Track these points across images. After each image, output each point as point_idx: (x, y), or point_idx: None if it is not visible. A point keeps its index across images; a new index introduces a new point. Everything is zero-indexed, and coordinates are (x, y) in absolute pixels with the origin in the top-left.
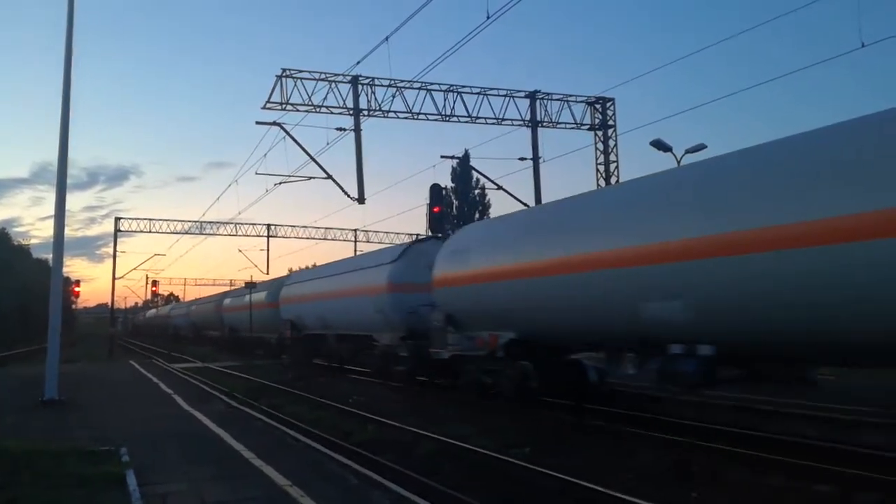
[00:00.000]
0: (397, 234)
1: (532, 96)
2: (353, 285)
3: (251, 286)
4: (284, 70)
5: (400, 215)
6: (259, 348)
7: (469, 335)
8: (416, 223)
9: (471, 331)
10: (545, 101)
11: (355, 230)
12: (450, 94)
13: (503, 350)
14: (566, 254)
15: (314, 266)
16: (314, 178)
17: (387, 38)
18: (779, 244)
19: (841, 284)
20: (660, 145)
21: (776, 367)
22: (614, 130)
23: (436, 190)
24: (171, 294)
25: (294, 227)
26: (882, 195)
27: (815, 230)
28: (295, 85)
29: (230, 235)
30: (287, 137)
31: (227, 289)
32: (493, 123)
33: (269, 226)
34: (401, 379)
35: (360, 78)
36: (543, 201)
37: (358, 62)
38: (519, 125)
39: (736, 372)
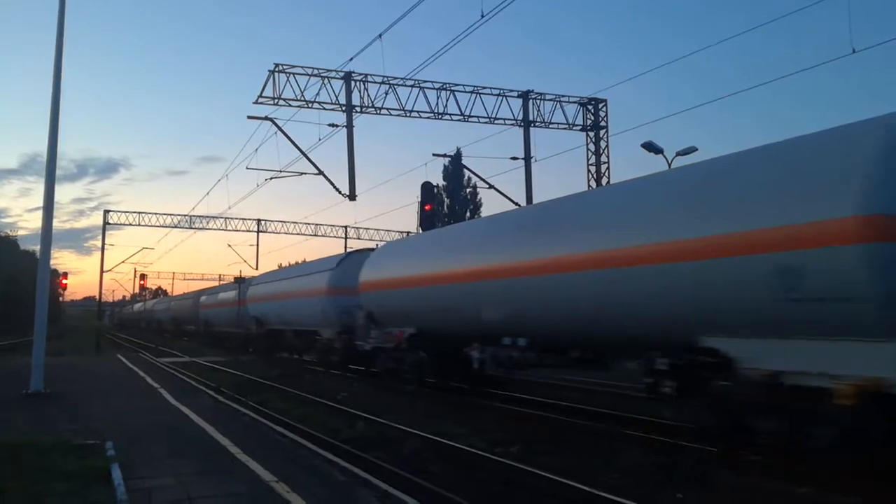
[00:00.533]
0: (388, 231)
1: (525, 96)
2: (303, 288)
3: (240, 281)
4: (277, 65)
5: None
6: (229, 341)
7: (384, 330)
8: (408, 220)
9: (385, 327)
10: (538, 101)
11: (346, 227)
12: (443, 93)
13: (406, 342)
14: (442, 269)
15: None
16: (305, 173)
17: (380, 35)
18: (553, 269)
19: (596, 301)
20: (651, 147)
21: (584, 353)
22: (606, 131)
23: (427, 188)
24: (160, 288)
25: (284, 222)
26: (621, 236)
27: (579, 261)
28: (287, 80)
29: (220, 230)
30: (279, 132)
31: (216, 284)
32: (486, 122)
33: (259, 221)
34: (337, 367)
35: (353, 74)
36: (534, 201)
37: (351, 58)
38: (511, 124)
39: (555, 358)
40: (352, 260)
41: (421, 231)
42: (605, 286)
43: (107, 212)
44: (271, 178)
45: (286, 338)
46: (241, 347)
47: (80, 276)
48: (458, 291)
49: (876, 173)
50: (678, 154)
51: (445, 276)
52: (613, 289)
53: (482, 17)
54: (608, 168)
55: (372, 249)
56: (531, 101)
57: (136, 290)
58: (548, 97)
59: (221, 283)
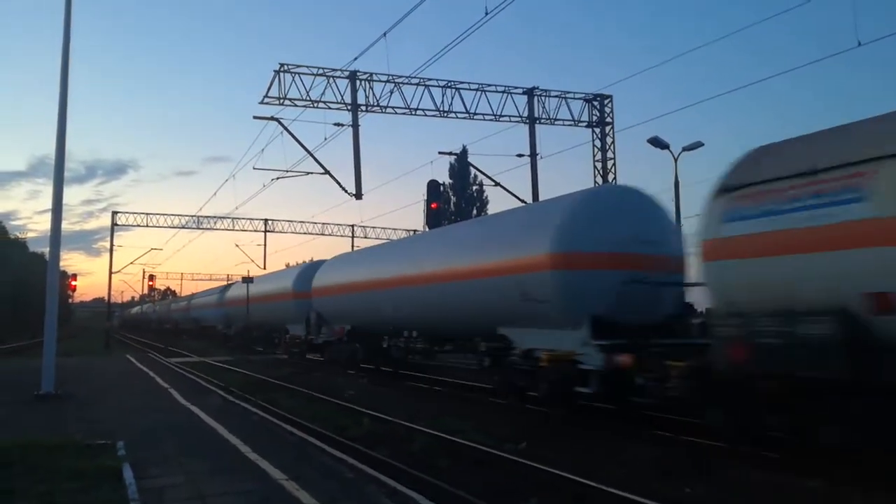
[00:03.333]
0: (395, 229)
1: (530, 93)
2: (274, 291)
3: (248, 280)
4: (282, 65)
5: (397, 211)
6: (217, 336)
7: (331, 327)
8: (414, 219)
9: (332, 324)
10: (543, 98)
11: (352, 226)
12: (448, 90)
13: (346, 336)
14: (366, 279)
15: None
16: (312, 173)
17: (385, 34)
18: (420, 281)
19: (442, 304)
20: (657, 143)
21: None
22: (612, 127)
23: (433, 186)
24: (168, 289)
25: (291, 222)
26: (452, 260)
27: (431, 276)
28: (293, 80)
29: (227, 230)
30: (285, 132)
31: (224, 283)
32: (491, 120)
33: (266, 221)
34: (299, 356)
35: (359, 73)
36: (541, 198)
37: (356, 58)
38: (517, 122)
39: (438, 345)
40: (311, 267)
41: (428, 229)
42: (445, 294)
43: (115, 213)
44: (278, 178)
45: (263, 332)
46: (227, 341)
47: (90, 277)
48: (376, 296)
49: (555, 232)
50: (684, 149)
51: (368, 284)
52: (449, 296)
53: (486, 14)
54: (614, 164)
55: (323, 261)
56: (536, 97)
57: (145, 291)
58: (553, 94)
59: (229, 281)
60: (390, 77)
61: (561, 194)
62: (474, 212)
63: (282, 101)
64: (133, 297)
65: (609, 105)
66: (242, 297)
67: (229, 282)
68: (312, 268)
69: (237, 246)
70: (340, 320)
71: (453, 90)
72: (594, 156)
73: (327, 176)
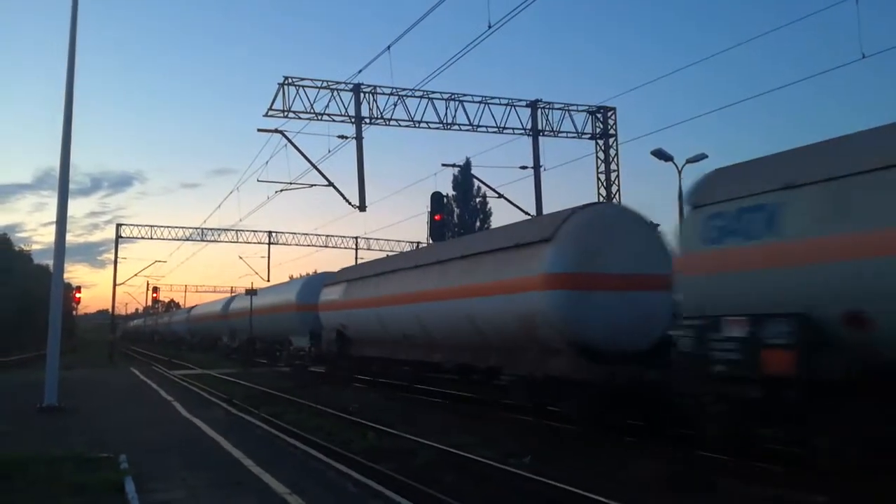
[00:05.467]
0: (398, 241)
1: (533, 105)
2: (277, 303)
3: (251, 293)
4: (287, 78)
5: (401, 223)
6: (213, 348)
7: (341, 339)
8: (418, 231)
9: (349, 338)
10: (546, 110)
11: (356, 238)
12: (451, 103)
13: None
14: (355, 298)
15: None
16: (315, 185)
17: (389, 47)
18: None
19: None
20: (661, 155)
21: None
22: (615, 140)
23: (437, 198)
24: (172, 301)
25: (295, 234)
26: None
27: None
28: (297, 93)
29: (231, 242)
30: (289, 145)
31: (227, 295)
32: (495, 132)
33: (270, 233)
34: (302, 368)
35: (362, 86)
36: (544, 211)
37: (360, 70)
38: (520, 134)
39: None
40: (315, 280)
41: (432, 241)
42: (422, 311)
43: (119, 225)
44: (282, 190)
45: (264, 343)
46: (229, 352)
47: (94, 289)
48: (379, 313)
49: (549, 256)
50: (688, 161)
51: (358, 304)
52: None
53: (489, 27)
54: (618, 176)
55: (332, 272)
56: (540, 110)
57: (149, 303)
58: (556, 106)
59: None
60: (394, 90)
61: (562, 208)
62: (478, 224)
63: (286, 113)
64: (137, 310)
65: (612, 117)
66: (245, 310)
67: (233, 294)
68: (317, 279)
69: (241, 258)
70: (358, 334)
71: (457, 103)
72: (597, 168)
73: (331, 188)
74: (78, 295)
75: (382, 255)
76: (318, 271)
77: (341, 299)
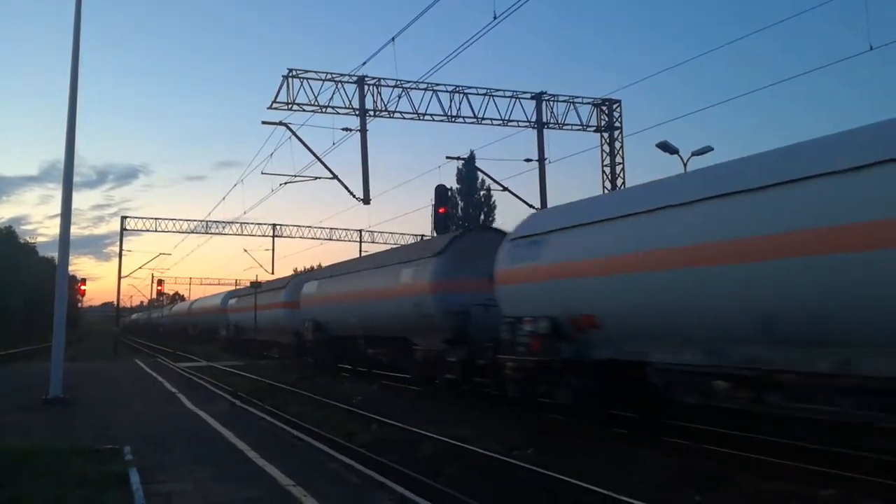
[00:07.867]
0: (402, 234)
1: (538, 97)
2: (268, 302)
3: (256, 286)
4: (291, 70)
5: (405, 216)
6: (206, 339)
7: (319, 331)
8: (422, 224)
9: (320, 330)
10: (551, 103)
11: (360, 231)
12: (456, 95)
13: (328, 340)
14: (323, 294)
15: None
16: (320, 178)
17: (393, 39)
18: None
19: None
20: (666, 148)
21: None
22: (620, 132)
23: (441, 191)
24: (177, 293)
25: (299, 226)
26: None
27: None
28: (301, 85)
29: (236, 235)
30: (293, 137)
31: (232, 288)
32: (499, 124)
33: (274, 226)
34: (293, 360)
35: (367, 78)
36: (549, 203)
37: (364, 63)
38: (525, 126)
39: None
40: (299, 281)
41: (436, 234)
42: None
43: (124, 218)
44: (286, 183)
45: (258, 340)
46: (223, 343)
47: (99, 281)
48: (340, 305)
49: (435, 267)
50: (694, 154)
51: (334, 298)
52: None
53: (494, 18)
54: (623, 169)
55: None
56: (544, 102)
57: (153, 296)
58: (561, 98)
59: (237, 286)
60: (398, 82)
61: (569, 200)
62: (482, 217)
63: (290, 106)
64: (142, 302)
65: (618, 110)
66: (243, 305)
67: (236, 286)
68: (301, 280)
69: (245, 251)
70: (325, 326)
71: (461, 95)
72: (602, 160)
73: (335, 181)
74: (83, 287)
75: (387, 247)
76: (323, 265)
77: (316, 295)
